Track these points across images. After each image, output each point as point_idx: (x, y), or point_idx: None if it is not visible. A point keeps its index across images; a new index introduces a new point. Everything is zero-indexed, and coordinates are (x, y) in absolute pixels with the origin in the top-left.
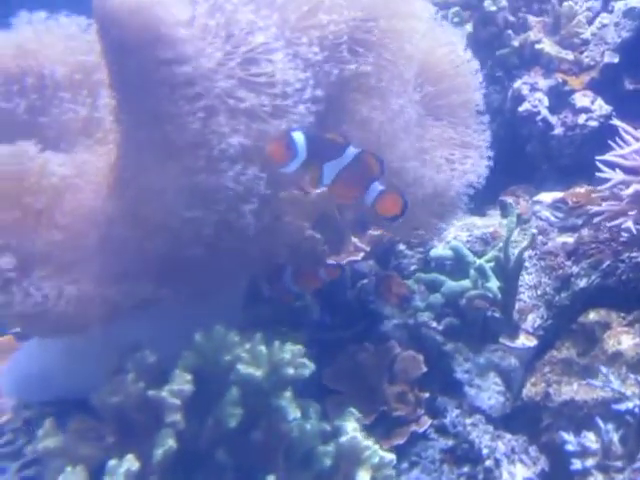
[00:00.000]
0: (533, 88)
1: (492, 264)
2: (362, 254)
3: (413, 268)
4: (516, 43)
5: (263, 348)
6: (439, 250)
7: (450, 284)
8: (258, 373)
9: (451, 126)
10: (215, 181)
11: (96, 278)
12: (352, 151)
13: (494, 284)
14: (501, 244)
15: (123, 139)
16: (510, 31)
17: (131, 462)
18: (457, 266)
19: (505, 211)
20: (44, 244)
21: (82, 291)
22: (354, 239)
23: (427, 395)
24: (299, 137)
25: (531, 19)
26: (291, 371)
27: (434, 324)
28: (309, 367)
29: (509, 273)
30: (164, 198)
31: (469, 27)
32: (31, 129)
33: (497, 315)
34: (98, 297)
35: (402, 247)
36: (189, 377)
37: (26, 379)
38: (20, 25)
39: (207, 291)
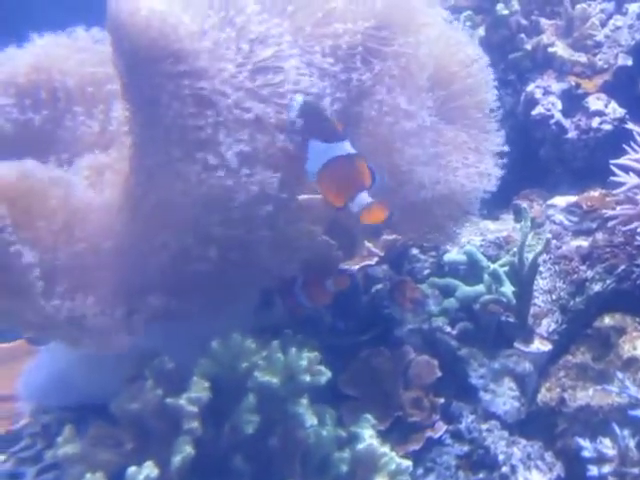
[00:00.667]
0: (546, 92)
1: (506, 268)
2: (376, 259)
3: (426, 272)
4: (529, 46)
5: (280, 355)
6: (453, 255)
7: (464, 289)
8: (275, 380)
9: (464, 129)
10: (225, 191)
11: (112, 292)
12: (347, 148)
13: (508, 289)
14: (515, 249)
15: (135, 152)
16: (523, 35)
17: (150, 469)
18: (471, 271)
19: (519, 215)
20: (65, 258)
21: (100, 305)
22: (368, 244)
23: (442, 400)
24: (298, 98)
25: (544, 22)
26: (308, 378)
27: (448, 329)
28: (325, 374)
29: (523, 278)
30: (175, 212)
31: (481, 31)
32: (45, 143)
33: (511, 320)
34: (115, 310)
35: (415, 251)
36: (206, 384)
37: (45, 384)
38: (34, 40)
39: (222, 301)
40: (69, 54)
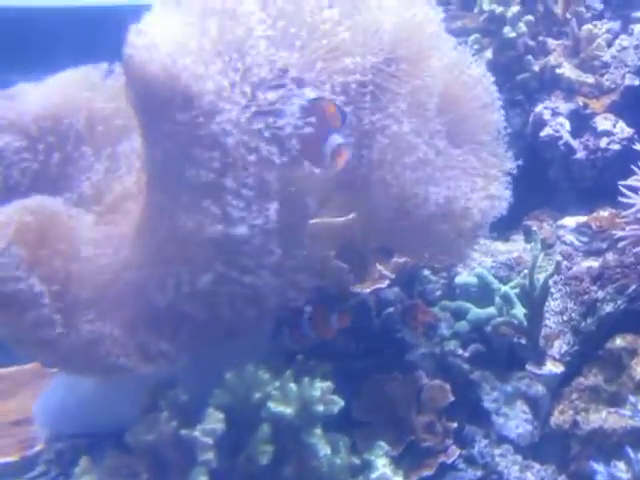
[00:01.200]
0: (554, 113)
1: (517, 290)
2: (387, 281)
3: (438, 293)
4: (536, 68)
5: (293, 386)
6: (464, 277)
7: (476, 311)
8: (288, 411)
9: (473, 153)
10: (228, 238)
11: (128, 324)
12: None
13: (520, 311)
14: (526, 270)
15: (148, 186)
16: (530, 56)
17: None
18: (482, 293)
19: (529, 236)
20: (81, 290)
21: (116, 336)
22: (379, 266)
23: (455, 425)
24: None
25: (550, 42)
26: (321, 408)
27: (460, 351)
28: (338, 403)
29: (535, 300)
30: (183, 248)
31: (489, 54)
32: (55, 182)
33: (523, 342)
34: (131, 342)
35: (426, 272)
36: (221, 416)
37: (60, 410)
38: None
39: (232, 334)
40: (78, 92)
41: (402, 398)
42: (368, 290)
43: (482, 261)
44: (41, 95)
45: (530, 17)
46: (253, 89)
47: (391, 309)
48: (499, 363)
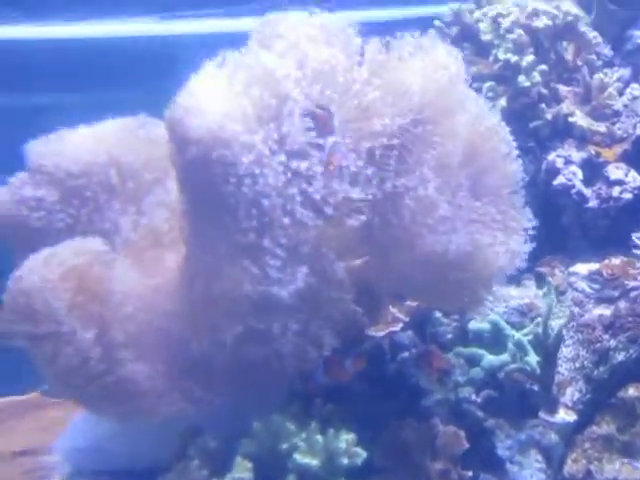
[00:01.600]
0: (567, 161)
1: (530, 337)
2: (401, 324)
3: (449, 336)
4: (549, 116)
5: (319, 437)
6: (477, 323)
7: (489, 358)
8: (314, 462)
9: (492, 205)
10: (262, 296)
11: (162, 367)
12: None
13: (533, 358)
14: (539, 318)
15: (187, 240)
16: (543, 105)
17: None
18: (495, 339)
19: (541, 283)
20: (118, 333)
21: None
22: (392, 309)
23: (470, 473)
24: None
25: (562, 89)
26: (346, 461)
27: (474, 397)
28: (362, 455)
29: (548, 349)
30: (221, 304)
31: (503, 102)
32: (86, 234)
33: (536, 388)
34: (169, 385)
35: (438, 315)
36: (249, 465)
37: (83, 448)
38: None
39: (256, 385)
40: (113, 145)
41: (417, 444)
42: (382, 333)
43: (494, 306)
44: (78, 146)
45: (544, 67)
46: (288, 157)
47: (406, 354)
48: (512, 409)
